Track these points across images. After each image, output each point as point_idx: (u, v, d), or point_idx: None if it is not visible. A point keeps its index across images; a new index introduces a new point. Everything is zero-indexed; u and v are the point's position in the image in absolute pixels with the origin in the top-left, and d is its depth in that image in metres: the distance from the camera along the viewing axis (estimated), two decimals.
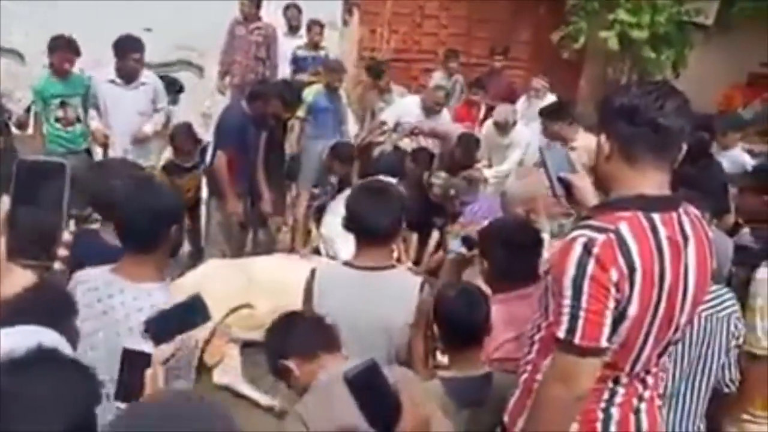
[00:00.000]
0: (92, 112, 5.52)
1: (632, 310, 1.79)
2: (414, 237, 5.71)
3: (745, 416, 2.73)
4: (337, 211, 4.38)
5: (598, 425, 1.93)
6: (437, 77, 7.95)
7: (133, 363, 1.56)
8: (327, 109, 6.50)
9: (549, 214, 3.71)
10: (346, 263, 2.60)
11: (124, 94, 5.48)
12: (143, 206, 2.16)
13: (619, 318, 1.79)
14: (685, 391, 2.60)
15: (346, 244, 3.53)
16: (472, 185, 5.72)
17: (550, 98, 7.02)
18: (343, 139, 6.39)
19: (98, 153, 5.61)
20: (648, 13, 8.39)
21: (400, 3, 9.41)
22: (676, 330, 1.92)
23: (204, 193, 5.60)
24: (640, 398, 1.96)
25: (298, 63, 7.58)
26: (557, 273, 1.82)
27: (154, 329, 1.66)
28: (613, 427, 1.93)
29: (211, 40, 7.60)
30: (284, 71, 7.54)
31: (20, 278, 1.21)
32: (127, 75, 5.44)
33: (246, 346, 4.42)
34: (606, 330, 1.77)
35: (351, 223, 2.51)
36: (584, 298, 1.75)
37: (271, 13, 7.62)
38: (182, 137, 5.49)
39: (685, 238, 1.85)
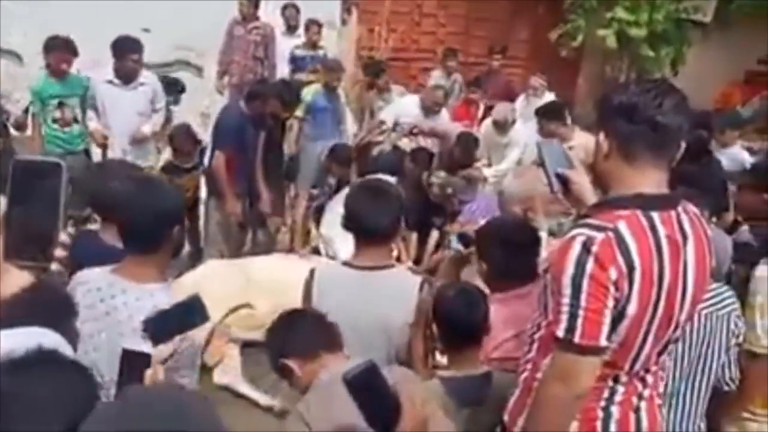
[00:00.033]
0: (90, 113, 5.52)
1: (631, 308, 1.79)
2: (414, 236, 5.71)
3: (745, 415, 2.73)
4: (336, 210, 4.38)
5: (598, 424, 1.92)
6: (436, 76, 7.95)
7: (133, 363, 1.56)
8: (325, 108, 6.49)
9: (547, 212, 3.71)
10: (345, 263, 2.60)
11: (123, 94, 5.47)
12: (146, 207, 2.15)
13: (618, 317, 1.79)
14: (685, 390, 2.60)
15: (345, 244, 3.53)
16: (472, 184, 5.73)
17: (549, 97, 7.03)
18: (341, 139, 6.40)
19: (97, 154, 5.61)
20: (646, 11, 8.40)
21: (399, 2, 9.40)
22: (676, 328, 1.92)
23: (203, 193, 5.60)
24: (640, 397, 1.96)
25: (296, 62, 7.58)
26: (556, 272, 1.82)
27: (153, 329, 1.66)
28: (612, 426, 1.93)
29: (210, 40, 7.60)
30: (282, 71, 7.54)
31: (17, 279, 1.20)
32: (126, 76, 5.43)
33: (246, 345, 4.43)
34: (605, 329, 1.77)
35: (350, 223, 2.51)
36: (583, 296, 1.75)
37: (269, 13, 7.62)
38: (181, 138, 5.50)
39: (684, 237, 1.85)
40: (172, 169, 5.44)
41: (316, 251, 5.59)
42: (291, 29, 7.78)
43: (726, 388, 2.68)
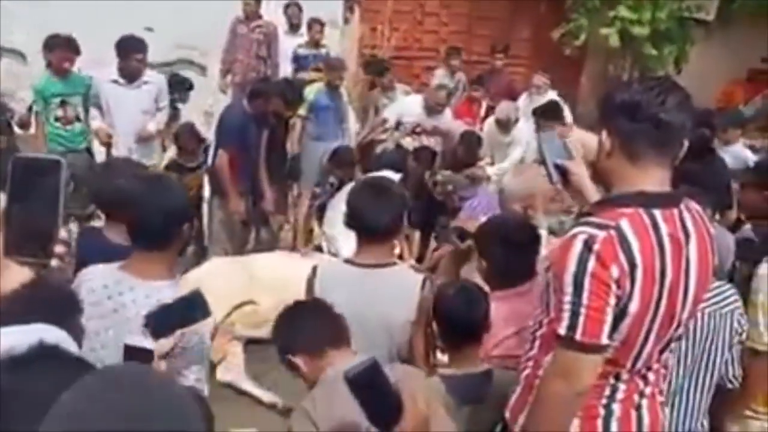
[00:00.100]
0: (93, 112, 5.53)
1: (633, 306, 1.79)
2: (417, 234, 5.71)
3: (748, 412, 2.73)
4: (338, 208, 4.38)
5: (599, 421, 1.92)
6: (439, 75, 7.94)
7: (135, 359, 1.56)
8: (328, 107, 6.49)
9: (546, 210, 3.70)
10: (348, 260, 2.60)
11: (127, 93, 5.48)
12: (157, 204, 2.15)
13: (620, 315, 1.79)
14: (688, 388, 2.60)
15: (347, 242, 3.52)
16: (475, 183, 5.72)
17: (552, 95, 7.02)
18: (344, 138, 6.40)
19: (101, 152, 5.62)
20: (649, 9, 8.39)
21: (401, 1, 9.40)
22: (678, 327, 1.91)
23: (206, 191, 5.61)
24: (642, 394, 1.96)
25: (299, 61, 7.57)
26: (558, 270, 1.82)
27: (154, 324, 1.67)
28: (614, 423, 1.92)
29: (213, 38, 7.61)
30: (285, 70, 7.53)
31: (17, 275, 1.19)
32: (130, 75, 5.44)
33: (249, 343, 4.43)
34: (607, 327, 1.77)
35: (352, 221, 2.51)
36: (585, 294, 1.75)
37: (272, 12, 7.62)
38: (186, 137, 5.51)
39: (687, 235, 1.85)
40: (176, 167, 5.45)
41: (318, 249, 5.59)
42: (293, 28, 7.78)
43: (729, 385, 2.68)
